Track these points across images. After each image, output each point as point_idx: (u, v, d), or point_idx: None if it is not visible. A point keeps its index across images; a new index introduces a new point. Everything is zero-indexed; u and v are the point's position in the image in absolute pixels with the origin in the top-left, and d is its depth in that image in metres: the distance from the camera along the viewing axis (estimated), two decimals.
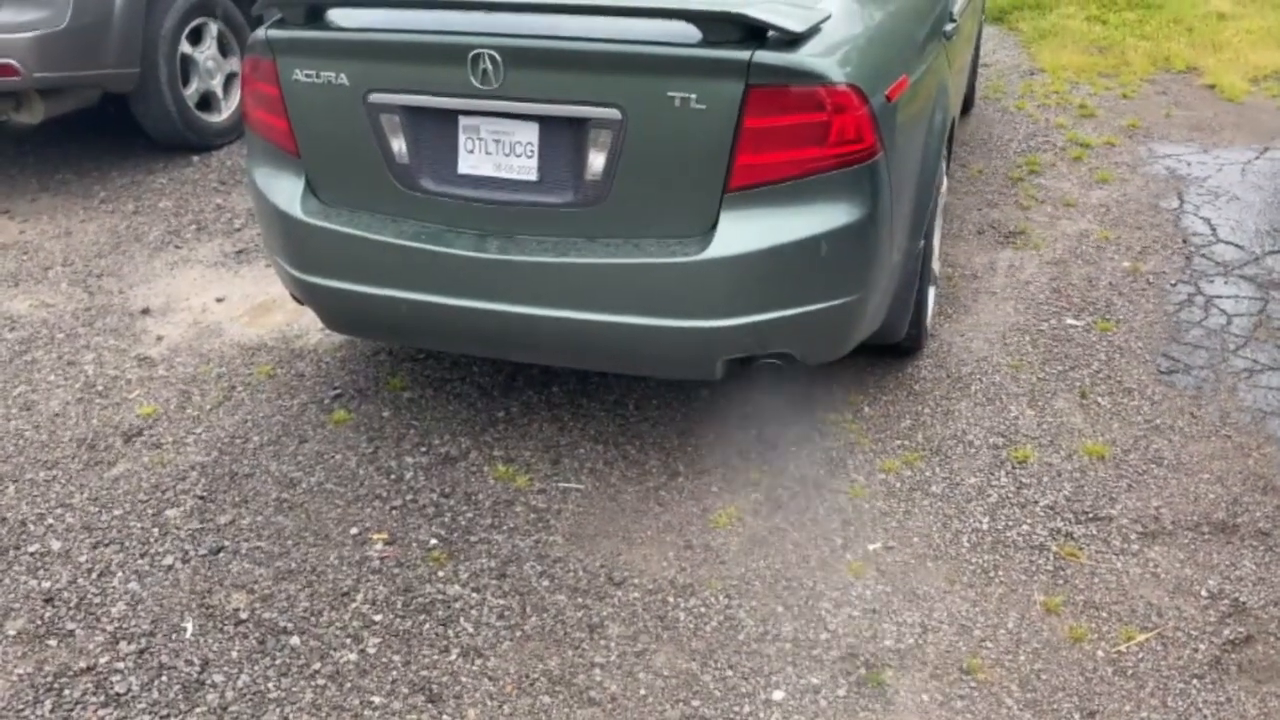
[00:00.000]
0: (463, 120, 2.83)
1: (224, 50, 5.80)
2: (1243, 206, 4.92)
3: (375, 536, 2.92)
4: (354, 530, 2.95)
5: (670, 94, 2.61)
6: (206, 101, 5.76)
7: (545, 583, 2.74)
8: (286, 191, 3.06)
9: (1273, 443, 3.21)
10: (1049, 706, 2.35)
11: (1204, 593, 2.65)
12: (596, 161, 2.72)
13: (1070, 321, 3.94)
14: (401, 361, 3.75)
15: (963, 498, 3.00)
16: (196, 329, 4.04)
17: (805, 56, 2.59)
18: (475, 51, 2.68)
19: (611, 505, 3.02)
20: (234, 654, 2.54)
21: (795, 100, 2.60)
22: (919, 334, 3.51)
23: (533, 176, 2.81)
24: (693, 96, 2.59)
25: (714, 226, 2.71)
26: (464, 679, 2.46)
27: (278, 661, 2.51)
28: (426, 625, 2.61)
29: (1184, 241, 4.61)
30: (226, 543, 2.91)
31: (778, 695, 2.38)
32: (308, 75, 2.89)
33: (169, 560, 2.85)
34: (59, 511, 3.05)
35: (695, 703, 2.37)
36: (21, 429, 3.43)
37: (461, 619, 2.63)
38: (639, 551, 2.84)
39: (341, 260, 3.00)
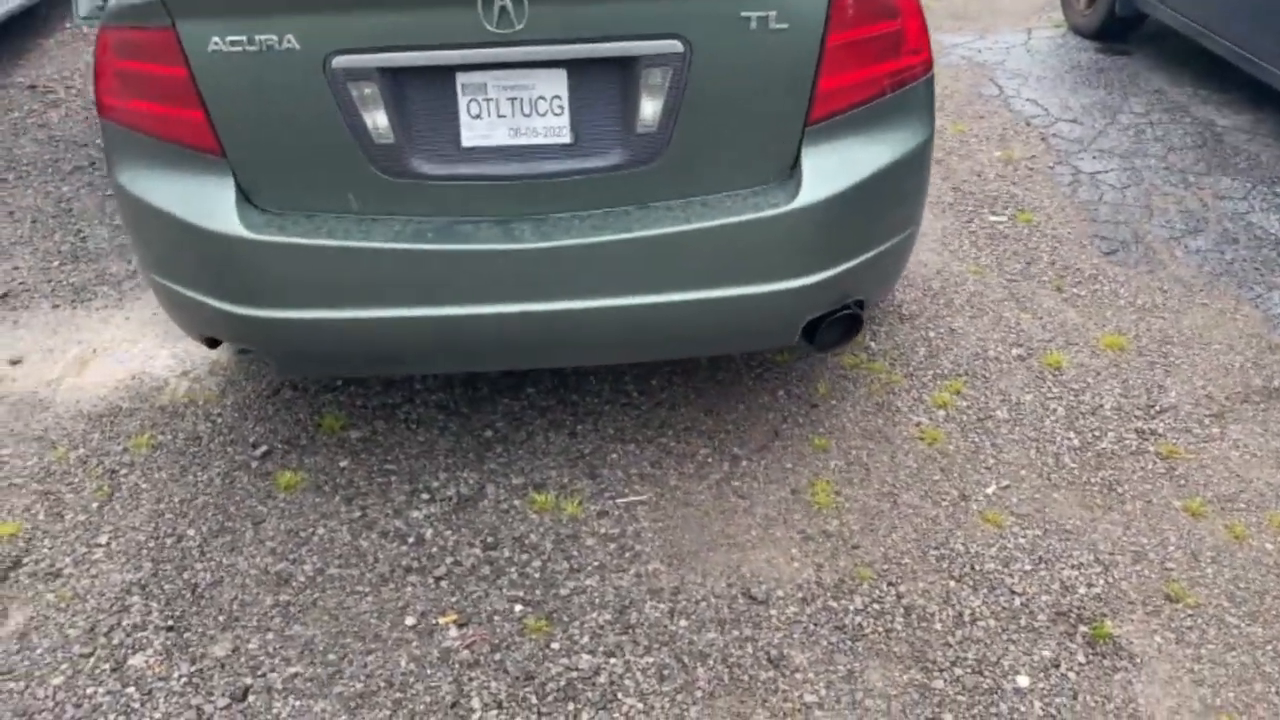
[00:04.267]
0: (461, 78, 2.20)
1: None
2: (1052, 85, 5.14)
3: (442, 621, 2.30)
4: (409, 620, 2.31)
5: (745, 14, 2.15)
6: None
7: (682, 623, 2.28)
8: (207, 203, 2.27)
9: (1244, 302, 3.33)
10: (1266, 612, 2.26)
11: None
12: (650, 109, 2.22)
13: (993, 218, 3.91)
14: (315, 395, 3.03)
15: (1033, 417, 2.85)
16: (7, 407, 3.04)
17: None
18: None
19: (690, 510, 2.58)
20: None
21: (874, 6, 2.24)
22: None
23: (565, 138, 2.25)
24: (772, 14, 2.16)
25: (793, 169, 2.31)
26: None
27: None
28: (586, 716, 2.08)
29: (1028, 124, 4.73)
30: (249, 680, 2.18)
31: (1023, 681, 2.12)
32: (233, 43, 2.12)
33: None
34: None
35: (947, 716, 2.05)
36: None
37: (619, 694, 2.12)
38: (758, 556, 2.44)
39: (312, 283, 2.28)
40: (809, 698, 2.10)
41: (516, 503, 2.62)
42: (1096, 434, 2.78)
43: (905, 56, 2.35)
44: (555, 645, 2.23)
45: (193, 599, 2.38)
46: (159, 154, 2.29)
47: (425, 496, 2.66)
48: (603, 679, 2.15)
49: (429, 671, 2.18)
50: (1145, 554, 2.41)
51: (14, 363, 3.24)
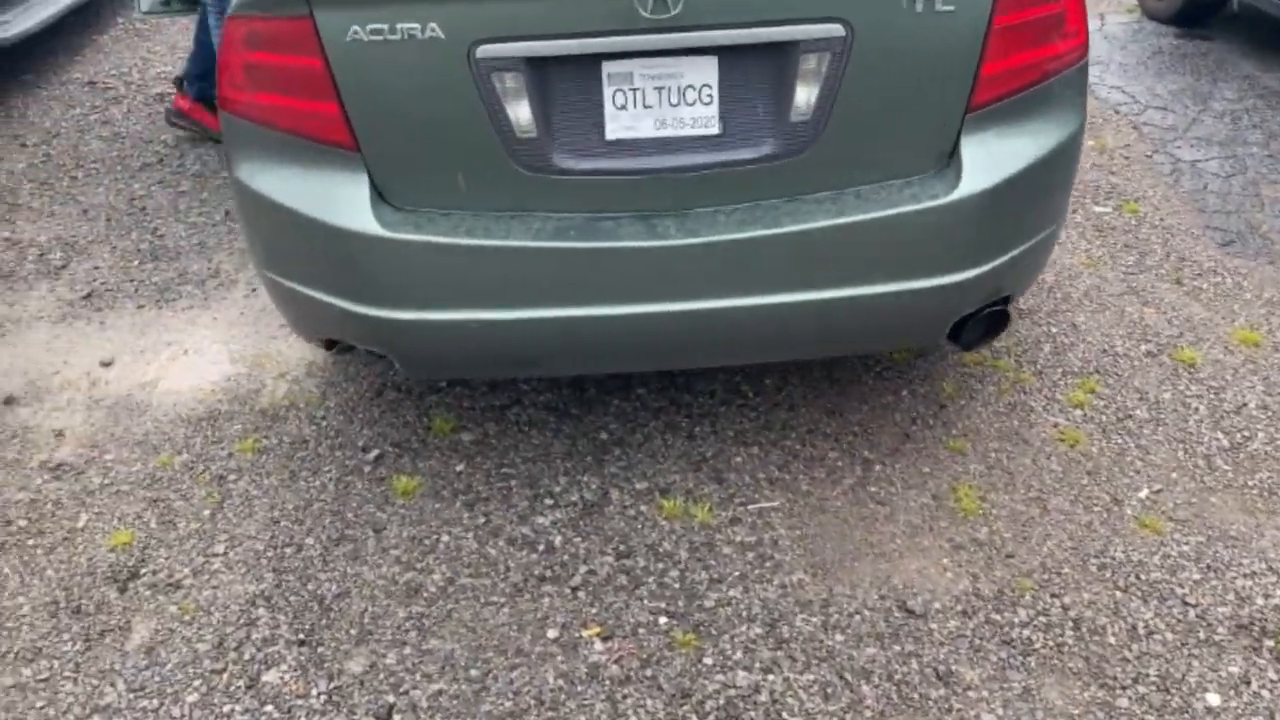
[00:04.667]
0: (608, 67, 2.09)
1: None
2: (1135, 71, 5.00)
3: (586, 634, 2.21)
4: (551, 633, 2.21)
5: None
6: None
7: (838, 637, 2.17)
8: (339, 200, 2.17)
9: None
10: None
11: None
12: (805, 96, 2.11)
13: (1098, 209, 3.78)
14: (420, 397, 2.93)
15: (1176, 417, 2.73)
16: (104, 411, 2.96)
17: None
18: None
19: (827, 517, 2.47)
20: None
21: None
22: None
23: (713, 129, 2.14)
24: None
25: (951, 158, 2.20)
26: None
27: None
28: None
29: (1116, 112, 4.59)
30: (391, 698, 2.08)
31: (1213, 700, 2.00)
32: (374, 32, 2.02)
33: None
34: None
35: None
36: None
37: (784, 713, 2.02)
38: (907, 566, 2.33)
39: (449, 283, 2.18)
40: (986, 717, 1.99)
41: (644, 508, 2.52)
42: (1245, 435, 2.66)
43: (1065, 39, 2.23)
44: (708, 660, 2.13)
45: (321, 611, 2.29)
46: (286, 149, 2.19)
47: (549, 502, 2.56)
48: (764, 697, 2.05)
49: (579, 688, 2.09)
50: None
51: (105, 364, 3.16)
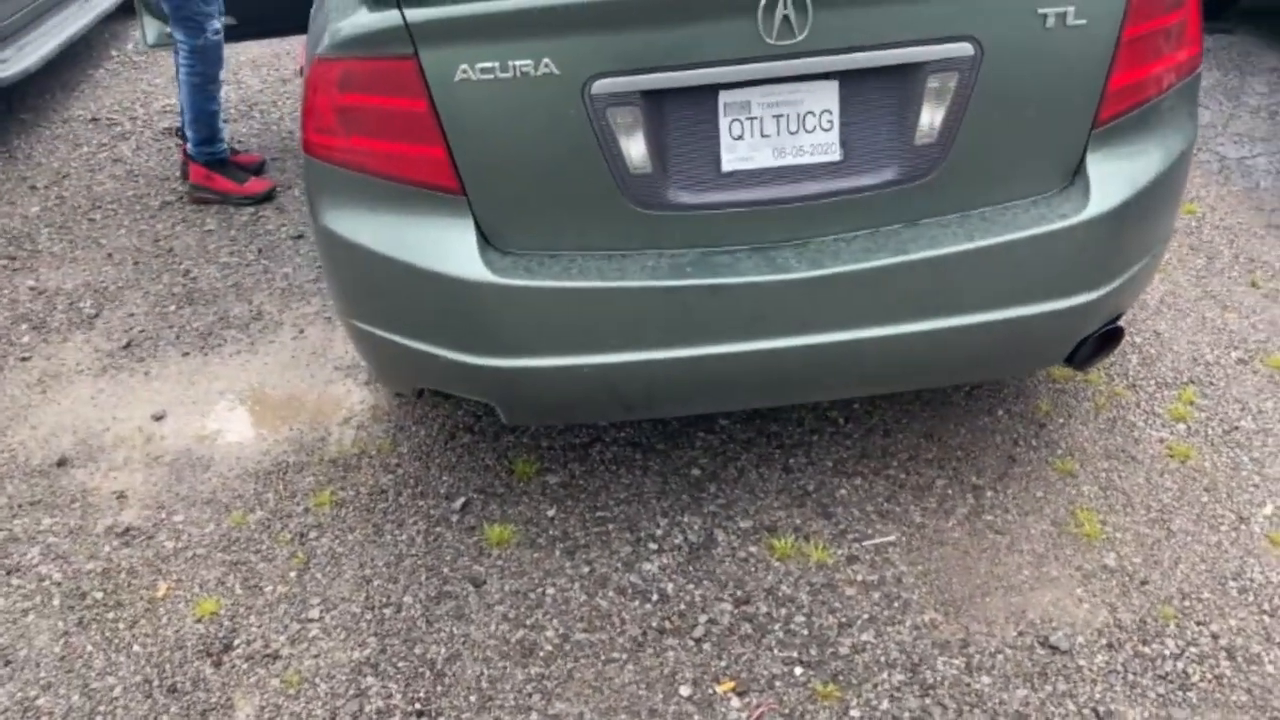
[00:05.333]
0: (725, 97, 2.00)
1: None
2: None
3: (719, 689, 2.10)
4: (683, 690, 2.11)
5: (1042, 10, 1.96)
6: None
7: (985, 679, 2.09)
8: (443, 246, 2.06)
9: None
10: None
11: None
12: (932, 118, 2.02)
13: None
14: (496, 438, 2.82)
15: None
16: (165, 468, 2.82)
17: None
18: None
19: (947, 550, 2.39)
20: None
21: None
22: None
23: (835, 156, 2.05)
24: (1070, 10, 1.96)
25: (1076, 175, 2.12)
26: None
27: None
28: None
29: None
30: None
31: None
32: (484, 70, 1.91)
33: None
34: None
35: None
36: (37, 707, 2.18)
37: None
38: (1040, 598, 2.25)
39: (562, 328, 2.08)
40: None
41: (753, 549, 2.43)
42: None
43: (1187, 47, 2.17)
44: (854, 713, 2.04)
45: (434, 677, 2.18)
46: (384, 194, 2.07)
47: (652, 546, 2.46)
48: None
49: None
50: None
51: (158, 418, 3.03)
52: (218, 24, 3.95)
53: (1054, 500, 2.49)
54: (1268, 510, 2.42)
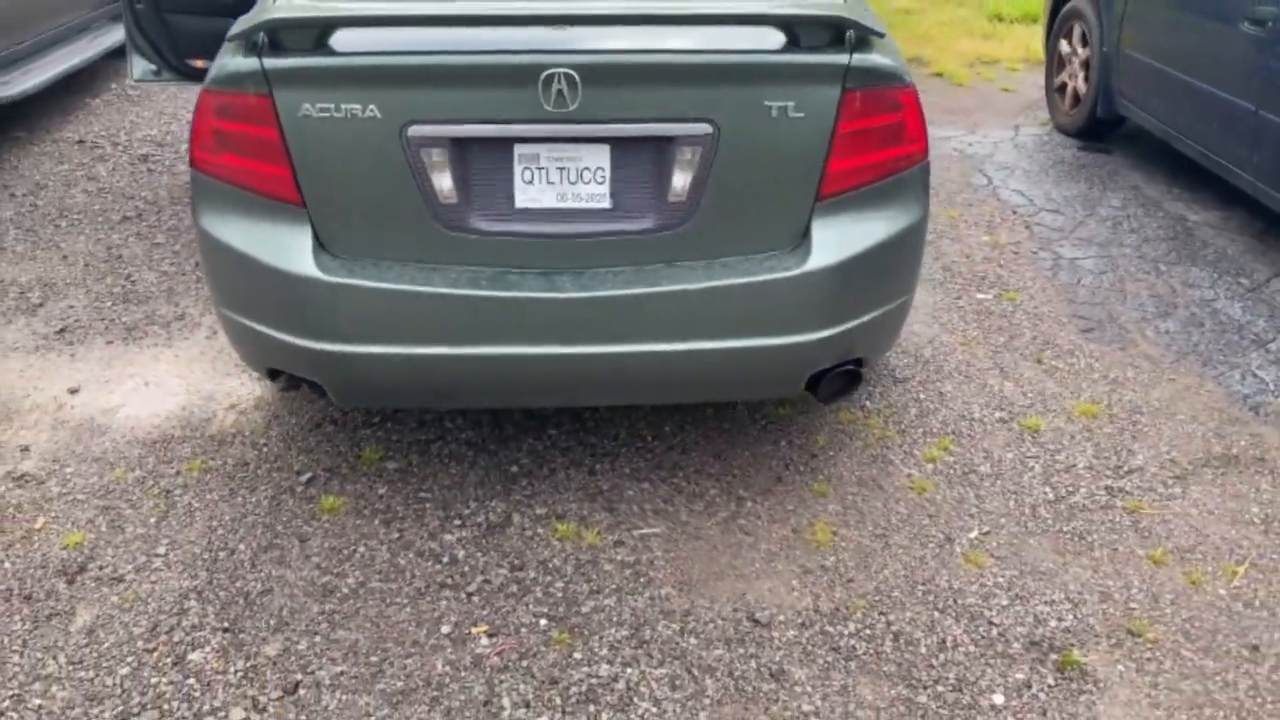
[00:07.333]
0: (519, 149, 2.52)
1: None
2: (1037, 177, 5.53)
3: (475, 631, 2.54)
4: (445, 629, 2.55)
5: (768, 103, 2.48)
6: None
7: (692, 640, 2.52)
8: (285, 248, 2.57)
9: (1207, 379, 3.64)
10: (1217, 648, 2.51)
11: (1257, 519, 2.95)
12: (681, 181, 2.53)
13: (980, 295, 4.23)
14: (354, 430, 3.29)
15: (1013, 473, 3.12)
16: (68, 430, 3.29)
17: (882, 57, 2.57)
18: (549, 71, 2.39)
19: (700, 544, 2.83)
20: None
21: (880, 102, 2.58)
22: None
23: (604, 204, 2.56)
24: (790, 104, 2.49)
25: (804, 237, 2.62)
26: None
27: None
28: (605, 716, 2.31)
29: (1014, 213, 5.09)
30: (299, 675, 2.40)
31: (998, 699, 2.36)
32: (322, 110, 2.44)
33: (238, 715, 2.30)
34: (36, 688, 2.37)
35: None
36: None
37: (636, 699, 2.35)
38: (761, 586, 2.69)
39: (377, 321, 2.57)
40: (806, 707, 2.33)
41: (540, 530, 2.88)
42: (1070, 489, 3.05)
43: (906, 145, 2.68)
44: (577, 655, 2.47)
45: (245, 605, 2.61)
46: (244, 203, 2.59)
47: (457, 522, 2.91)
48: (620, 685, 2.39)
49: (463, 674, 2.41)
50: (1111, 594, 2.66)
51: (73, 391, 3.50)
52: None
53: (801, 513, 2.94)
54: (973, 534, 2.86)
